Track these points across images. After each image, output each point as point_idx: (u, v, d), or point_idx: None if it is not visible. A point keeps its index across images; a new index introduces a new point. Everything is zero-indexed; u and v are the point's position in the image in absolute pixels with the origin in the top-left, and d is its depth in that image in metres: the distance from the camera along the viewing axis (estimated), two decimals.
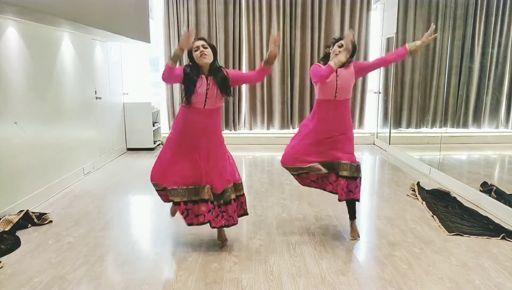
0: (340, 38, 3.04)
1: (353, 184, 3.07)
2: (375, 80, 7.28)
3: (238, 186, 3.04)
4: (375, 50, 7.23)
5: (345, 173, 3.06)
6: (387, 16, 6.74)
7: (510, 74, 5.79)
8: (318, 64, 3.10)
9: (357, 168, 3.07)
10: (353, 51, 3.00)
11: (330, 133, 3.10)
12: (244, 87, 7.29)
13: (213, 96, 2.80)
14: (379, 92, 7.17)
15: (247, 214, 3.11)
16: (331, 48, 3.07)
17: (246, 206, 3.09)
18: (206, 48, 2.79)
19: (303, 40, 7.11)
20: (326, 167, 3.13)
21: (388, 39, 6.69)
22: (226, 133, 7.30)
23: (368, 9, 7.07)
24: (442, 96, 5.85)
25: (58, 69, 4.47)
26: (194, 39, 2.80)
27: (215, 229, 3.10)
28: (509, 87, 5.83)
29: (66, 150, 4.62)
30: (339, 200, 3.13)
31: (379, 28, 7.08)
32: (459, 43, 5.71)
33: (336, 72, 2.99)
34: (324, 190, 3.27)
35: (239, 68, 7.17)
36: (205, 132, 2.86)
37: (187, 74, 2.78)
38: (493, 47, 5.83)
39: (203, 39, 2.86)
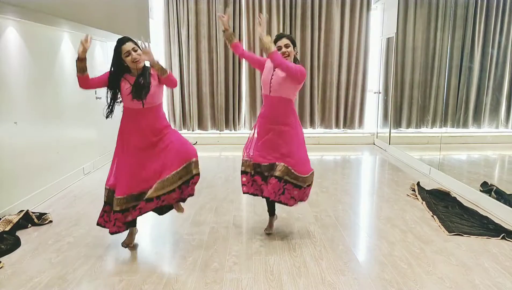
0: (276, 40, 2.98)
1: (293, 190, 3.05)
2: (375, 80, 7.29)
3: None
4: (375, 50, 7.23)
5: (278, 174, 2.98)
6: (387, 16, 6.74)
7: (510, 74, 5.79)
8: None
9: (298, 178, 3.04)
10: (293, 42, 3.00)
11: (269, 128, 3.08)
12: (244, 88, 7.30)
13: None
14: (379, 92, 7.18)
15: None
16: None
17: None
18: (136, 50, 2.78)
19: (303, 40, 7.11)
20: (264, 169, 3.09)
21: (388, 39, 6.70)
22: (226, 133, 7.36)
23: (368, 9, 7.07)
24: (442, 96, 5.85)
25: (58, 69, 4.47)
26: (120, 42, 2.80)
27: (215, 229, 3.16)
28: (509, 87, 5.83)
29: (66, 150, 4.62)
30: (266, 197, 3.07)
31: (379, 28, 7.08)
32: (459, 43, 5.71)
33: (274, 69, 2.98)
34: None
35: (239, 70, 7.17)
36: (149, 131, 2.88)
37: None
38: (493, 47, 5.83)
39: (128, 40, 2.80)
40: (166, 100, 7.29)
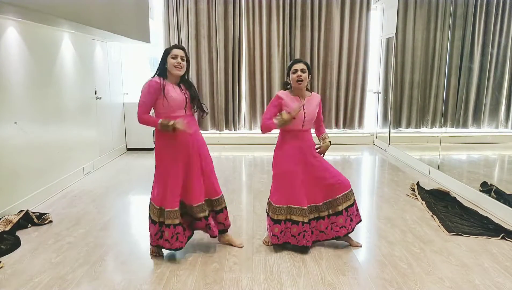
0: (293, 63, 2.92)
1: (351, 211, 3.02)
2: (375, 80, 7.29)
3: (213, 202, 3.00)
4: (375, 50, 7.24)
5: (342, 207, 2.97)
6: (387, 16, 6.75)
7: (510, 74, 5.79)
8: (280, 95, 2.92)
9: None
10: (308, 70, 2.93)
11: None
12: (244, 88, 7.30)
13: (189, 100, 2.82)
14: (379, 92, 7.18)
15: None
16: (289, 77, 2.93)
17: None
18: (183, 60, 2.75)
19: (303, 40, 7.11)
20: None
21: (388, 39, 6.70)
22: (226, 133, 7.36)
23: (368, 9, 7.08)
24: (442, 96, 5.86)
25: (58, 69, 4.47)
26: (175, 46, 2.78)
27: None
28: (508, 87, 5.84)
29: (66, 150, 4.62)
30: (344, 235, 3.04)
31: (379, 28, 7.08)
32: (458, 43, 5.71)
33: (303, 105, 2.89)
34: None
35: (239, 69, 7.18)
36: (193, 140, 2.86)
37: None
38: (492, 47, 5.83)
39: (182, 48, 2.79)
40: None
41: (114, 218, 3.72)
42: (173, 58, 2.73)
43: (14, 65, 3.71)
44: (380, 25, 7.05)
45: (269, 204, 3.05)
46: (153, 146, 6.92)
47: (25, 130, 3.82)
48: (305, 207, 2.91)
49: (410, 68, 6.52)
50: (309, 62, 7.13)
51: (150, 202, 2.89)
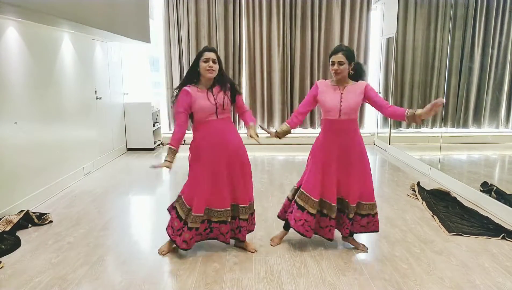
0: (332, 53, 2.82)
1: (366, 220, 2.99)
2: (375, 80, 7.29)
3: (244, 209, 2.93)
4: (375, 50, 7.23)
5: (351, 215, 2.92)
6: (387, 16, 6.74)
7: (510, 74, 5.79)
8: (318, 85, 2.94)
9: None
10: (361, 73, 2.94)
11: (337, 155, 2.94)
12: (244, 88, 7.30)
13: (220, 105, 2.82)
14: (379, 92, 7.18)
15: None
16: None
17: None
18: (215, 62, 2.74)
19: (303, 40, 7.11)
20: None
21: (388, 39, 6.70)
22: None
23: (368, 9, 7.07)
24: (442, 96, 5.85)
25: (58, 69, 4.47)
26: (206, 48, 2.76)
27: None
28: (509, 87, 5.83)
29: (66, 150, 4.62)
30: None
31: (379, 28, 7.08)
32: (459, 43, 5.71)
33: (342, 93, 2.86)
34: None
35: (239, 69, 7.18)
36: (226, 143, 2.92)
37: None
38: (493, 47, 5.83)
39: (213, 50, 2.77)
40: (166, 100, 7.30)
41: (114, 218, 3.72)
42: (205, 61, 2.72)
43: (14, 65, 3.71)
44: (380, 25, 7.05)
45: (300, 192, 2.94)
46: (153, 146, 6.95)
47: (24, 131, 3.82)
48: (317, 200, 2.88)
49: (410, 68, 6.52)
50: (309, 63, 7.19)
51: (181, 197, 2.87)
